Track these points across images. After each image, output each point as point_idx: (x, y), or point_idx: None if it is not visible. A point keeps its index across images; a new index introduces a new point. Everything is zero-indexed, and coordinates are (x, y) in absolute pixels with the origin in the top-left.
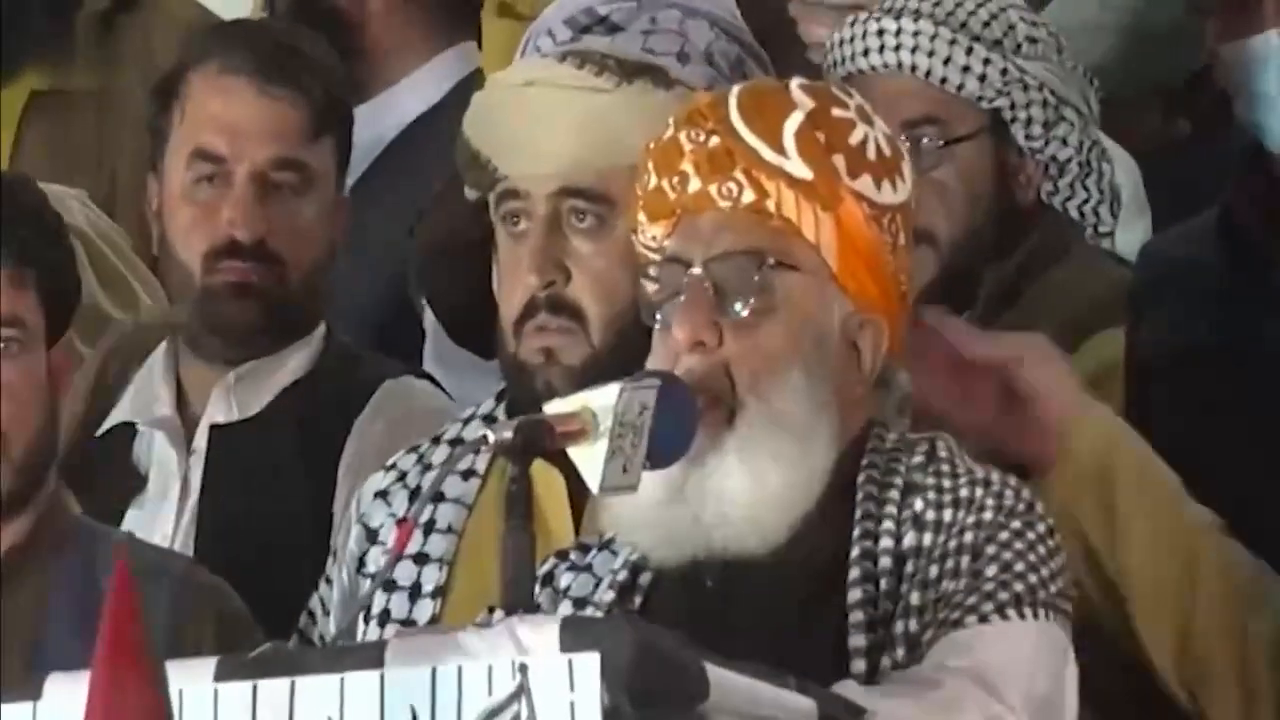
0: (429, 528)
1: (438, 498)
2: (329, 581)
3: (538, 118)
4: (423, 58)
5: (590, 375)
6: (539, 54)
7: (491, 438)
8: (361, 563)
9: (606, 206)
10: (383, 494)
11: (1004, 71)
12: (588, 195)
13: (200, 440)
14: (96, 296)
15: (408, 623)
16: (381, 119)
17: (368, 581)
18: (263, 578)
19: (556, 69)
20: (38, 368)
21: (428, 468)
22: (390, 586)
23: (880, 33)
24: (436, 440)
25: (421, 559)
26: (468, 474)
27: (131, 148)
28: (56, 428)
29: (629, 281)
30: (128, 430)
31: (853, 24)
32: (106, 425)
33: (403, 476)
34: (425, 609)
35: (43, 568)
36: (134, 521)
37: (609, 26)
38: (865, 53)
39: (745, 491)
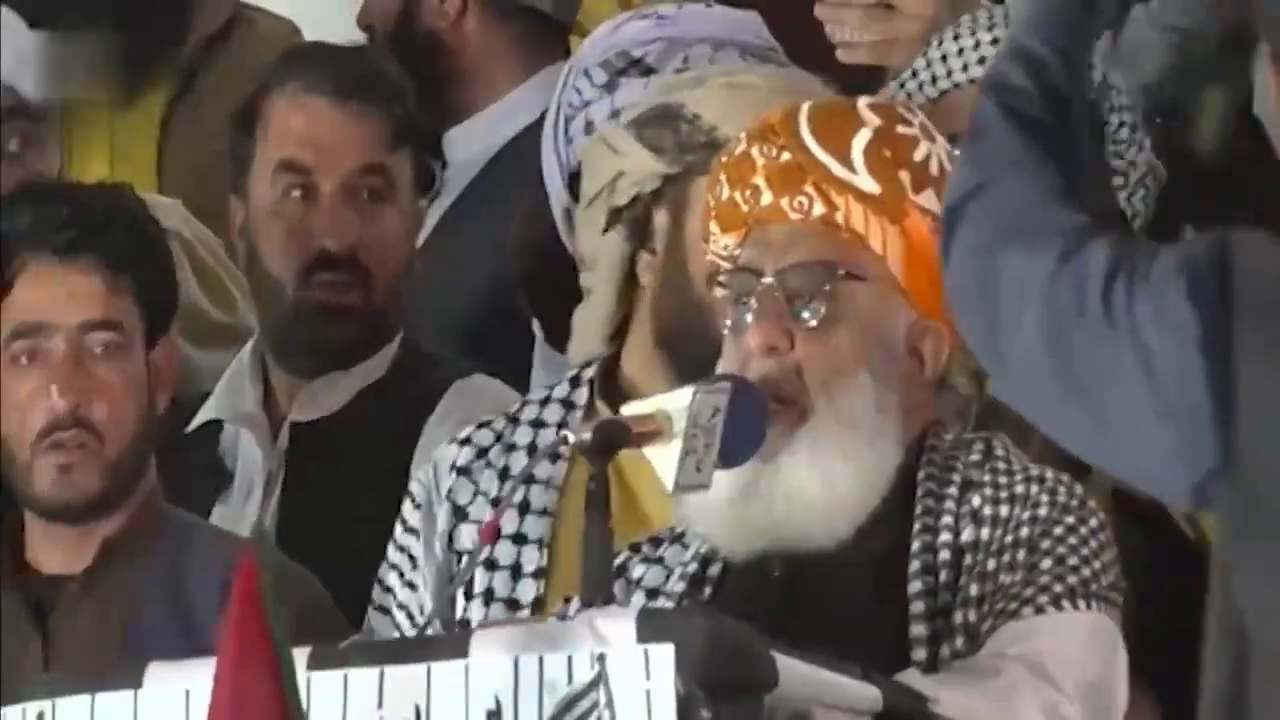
0: (524, 508)
1: (529, 480)
2: (401, 550)
3: None
4: (517, 79)
5: None
6: (579, 94)
7: (571, 438)
8: (451, 539)
9: None
10: (465, 471)
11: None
12: None
13: (283, 438)
14: (197, 298)
15: (510, 601)
16: (481, 138)
17: (459, 558)
18: (339, 571)
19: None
20: (136, 368)
21: (510, 448)
22: (491, 565)
23: (995, 41)
24: (515, 420)
25: (520, 539)
26: (554, 456)
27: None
28: (154, 426)
29: None
30: (215, 427)
31: (955, 38)
32: (196, 422)
33: (483, 453)
34: (528, 590)
35: (138, 559)
36: (220, 517)
37: (643, 69)
38: (981, 61)
39: (816, 489)
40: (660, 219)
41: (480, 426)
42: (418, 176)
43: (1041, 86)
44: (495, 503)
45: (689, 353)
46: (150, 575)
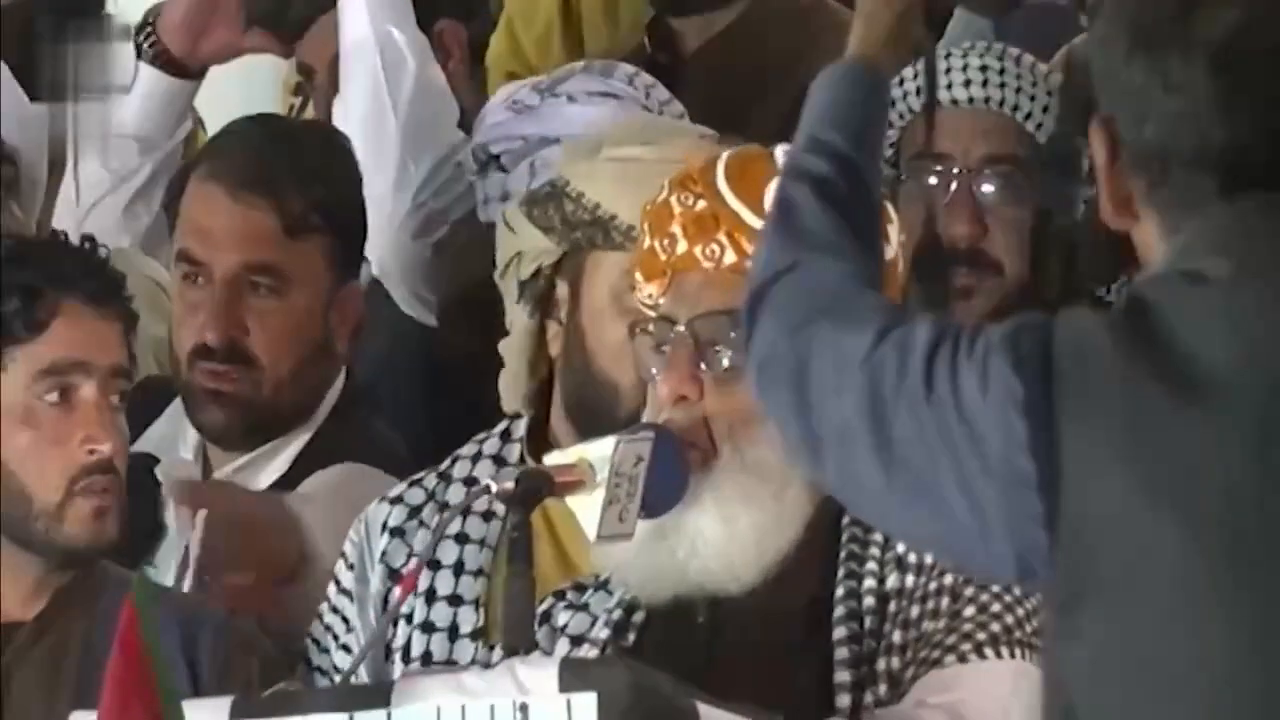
0: (459, 569)
1: (463, 539)
2: (335, 611)
3: None
4: None
5: None
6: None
7: (494, 487)
8: (386, 601)
9: None
10: (398, 532)
11: None
12: None
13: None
14: None
15: (449, 663)
16: None
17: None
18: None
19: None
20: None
21: (444, 507)
22: (428, 628)
23: (984, 69)
24: (446, 477)
25: (455, 600)
26: (488, 515)
27: None
28: None
29: None
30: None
31: (946, 56)
32: (135, 447)
33: (415, 512)
34: (466, 650)
35: (88, 609)
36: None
37: (499, 166)
38: (966, 84)
39: (716, 531)
40: (562, 290)
41: (412, 485)
42: (336, 258)
43: (847, 178)
44: (430, 564)
45: (594, 425)
46: (101, 626)
